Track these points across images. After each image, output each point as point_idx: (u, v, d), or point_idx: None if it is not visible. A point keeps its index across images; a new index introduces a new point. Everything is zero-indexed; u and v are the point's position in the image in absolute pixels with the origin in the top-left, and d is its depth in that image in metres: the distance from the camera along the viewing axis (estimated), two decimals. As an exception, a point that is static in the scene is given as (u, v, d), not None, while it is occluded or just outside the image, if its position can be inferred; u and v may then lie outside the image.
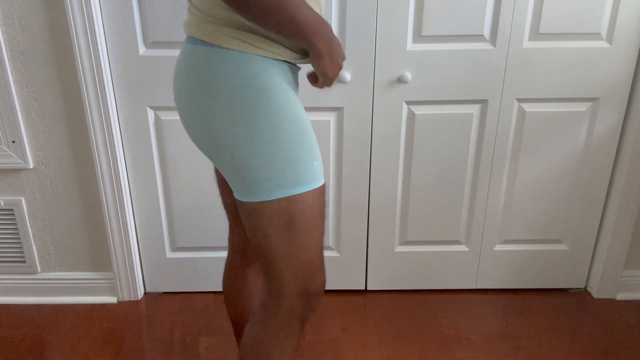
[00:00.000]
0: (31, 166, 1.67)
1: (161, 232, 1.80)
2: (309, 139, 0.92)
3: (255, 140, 0.88)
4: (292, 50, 0.93)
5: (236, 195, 0.94)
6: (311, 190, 0.92)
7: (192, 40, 0.92)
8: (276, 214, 0.92)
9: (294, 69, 0.99)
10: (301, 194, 0.91)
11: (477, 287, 1.90)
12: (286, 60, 0.93)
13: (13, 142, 1.62)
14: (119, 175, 1.67)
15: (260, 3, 0.80)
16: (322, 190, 0.95)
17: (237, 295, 1.27)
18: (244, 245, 1.21)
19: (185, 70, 0.92)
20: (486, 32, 1.54)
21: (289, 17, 0.83)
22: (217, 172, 1.17)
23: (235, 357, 1.60)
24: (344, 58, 0.96)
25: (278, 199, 0.90)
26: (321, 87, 0.98)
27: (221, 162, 0.92)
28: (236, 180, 0.92)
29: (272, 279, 0.98)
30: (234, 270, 1.26)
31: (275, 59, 0.91)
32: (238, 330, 1.33)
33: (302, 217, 0.93)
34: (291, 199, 0.91)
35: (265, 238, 0.94)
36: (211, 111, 0.89)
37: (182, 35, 1.53)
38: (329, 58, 0.91)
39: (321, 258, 1.00)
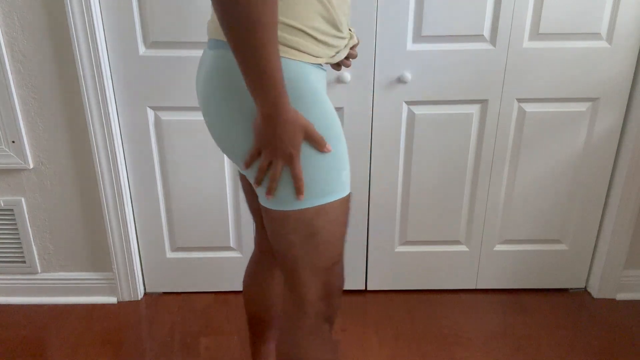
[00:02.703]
0: (31, 166, 1.67)
1: (161, 232, 1.80)
2: (342, 146, 0.90)
3: None
4: (331, 47, 0.91)
5: (261, 202, 0.92)
6: (338, 200, 0.91)
7: (224, 44, 0.86)
8: (302, 223, 0.90)
9: (324, 72, 0.96)
10: (329, 203, 0.90)
11: (477, 287, 1.90)
12: (322, 62, 0.91)
13: (13, 142, 1.62)
14: (119, 175, 1.67)
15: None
16: (348, 198, 0.93)
17: (260, 295, 1.27)
18: (270, 247, 1.19)
19: (216, 76, 0.88)
20: (486, 32, 1.54)
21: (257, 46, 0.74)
22: (242, 177, 1.15)
23: (235, 357, 1.60)
24: (295, 150, 0.84)
25: (306, 208, 0.89)
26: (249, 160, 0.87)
27: (251, 169, 0.90)
28: (264, 187, 0.89)
29: (295, 286, 0.98)
30: (259, 269, 1.25)
31: (313, 64, 0.88)
32: (253, 329, 1.33)
33: (327, 226, 0.91)
34: (318, 209, 0.89)
35: (289, 247, 0.93)
36: (244, 118, 0.86)
37: (182, 35, 1.53)
38: (274, 128, 0.81)
39: (342, 260, 0.99)
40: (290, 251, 0.94)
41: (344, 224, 0.95)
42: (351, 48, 1.05)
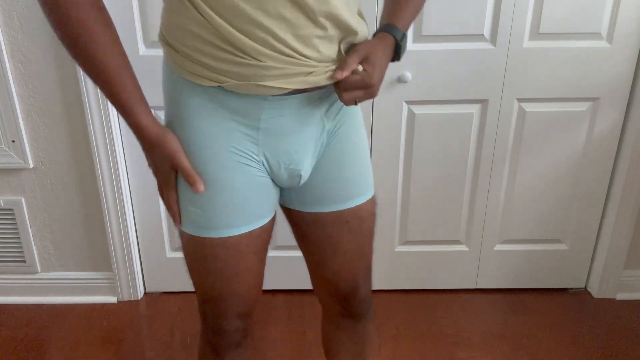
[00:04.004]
0: (31, 166, 1.67)
1: (161, 232, 1.80)
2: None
3: None
4: (219, 72, 0.77)
5: None
6: (185, 233, 0.88)
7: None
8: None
9: (248, 97, 0.79)
10: (183, 232, 0.88)
11: (477, 287, 1.90)
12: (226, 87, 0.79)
13: (13, 142, 1.62)
14: (119, 175, 1.67)
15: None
16: (195, 241, 0.86)
17: (326, 342, 1.17)
18: (328, 296, 1.06)
19: None
20: (486, 32, 1.54)
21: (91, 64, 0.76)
22: None
23: None
24: (162, 177, 0.84)
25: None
26: None
27: None
28: None
29: None
30: (324, 319, 1.15)
31: (204, 85, 0.79)
32: None
33: (185, 252, 0.91)
34: (181, 232, 0.89)
35: None
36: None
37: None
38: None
39: (221, 306, 0.93)
40: None
41: (191, 265, 0.91)
42: (341, 87, 0.80)
